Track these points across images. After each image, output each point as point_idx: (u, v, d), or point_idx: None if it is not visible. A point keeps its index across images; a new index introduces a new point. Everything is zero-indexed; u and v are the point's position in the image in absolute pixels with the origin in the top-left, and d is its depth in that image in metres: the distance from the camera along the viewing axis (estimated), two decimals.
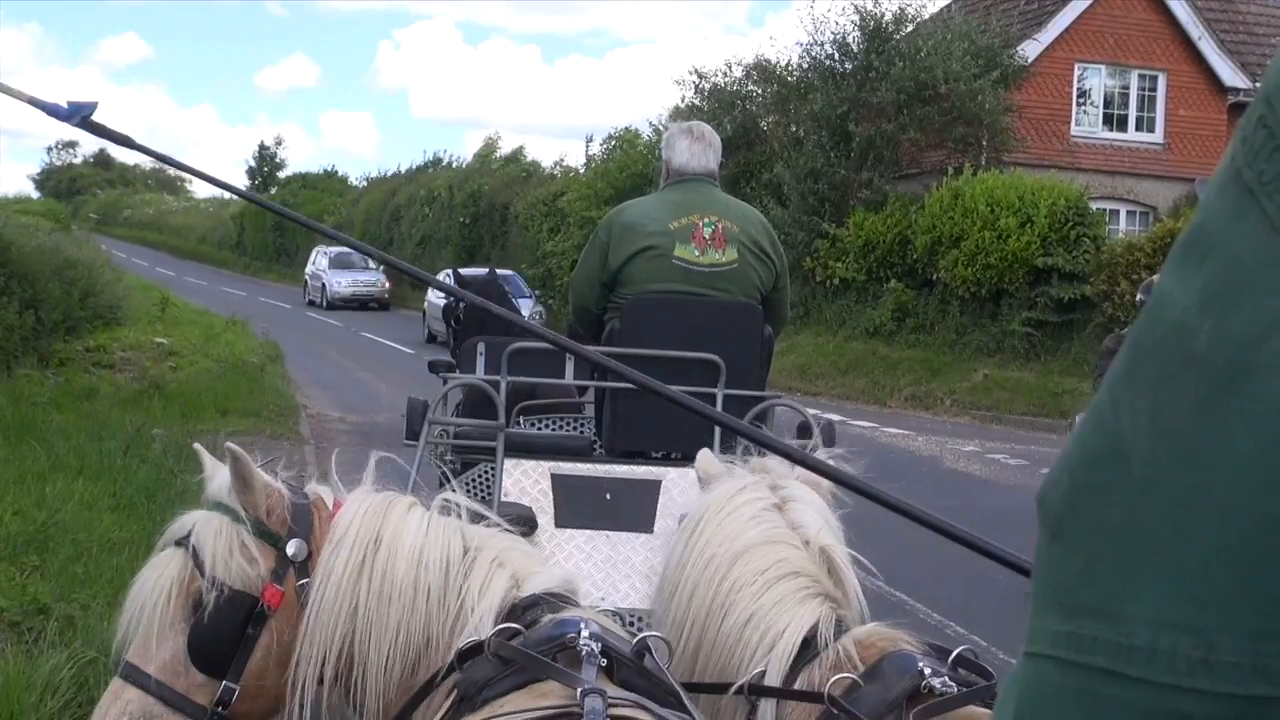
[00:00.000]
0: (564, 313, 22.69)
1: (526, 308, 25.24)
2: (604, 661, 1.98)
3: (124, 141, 2.56)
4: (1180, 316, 0.61)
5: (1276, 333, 0.57)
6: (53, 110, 2.40)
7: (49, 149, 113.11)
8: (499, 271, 14.09)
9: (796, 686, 2.26)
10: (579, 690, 1.86)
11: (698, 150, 5.04)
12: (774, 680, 2.26)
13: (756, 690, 2.26)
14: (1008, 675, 0.71)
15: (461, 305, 8.92)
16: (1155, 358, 0.62)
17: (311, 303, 41.12)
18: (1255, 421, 0.57)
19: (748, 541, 2.41)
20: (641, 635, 2.09)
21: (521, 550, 2.30)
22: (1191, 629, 0.57)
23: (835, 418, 12.01)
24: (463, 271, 9.77)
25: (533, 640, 2.02)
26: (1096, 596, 0.61)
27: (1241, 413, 0.57)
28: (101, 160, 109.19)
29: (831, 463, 2.44)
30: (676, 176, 5.06)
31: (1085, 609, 0.62)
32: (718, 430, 4.63)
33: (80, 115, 2.41)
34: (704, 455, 2.87)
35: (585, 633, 2.00)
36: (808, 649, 2.28)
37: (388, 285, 40.51)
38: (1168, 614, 0.58)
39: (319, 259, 42.68)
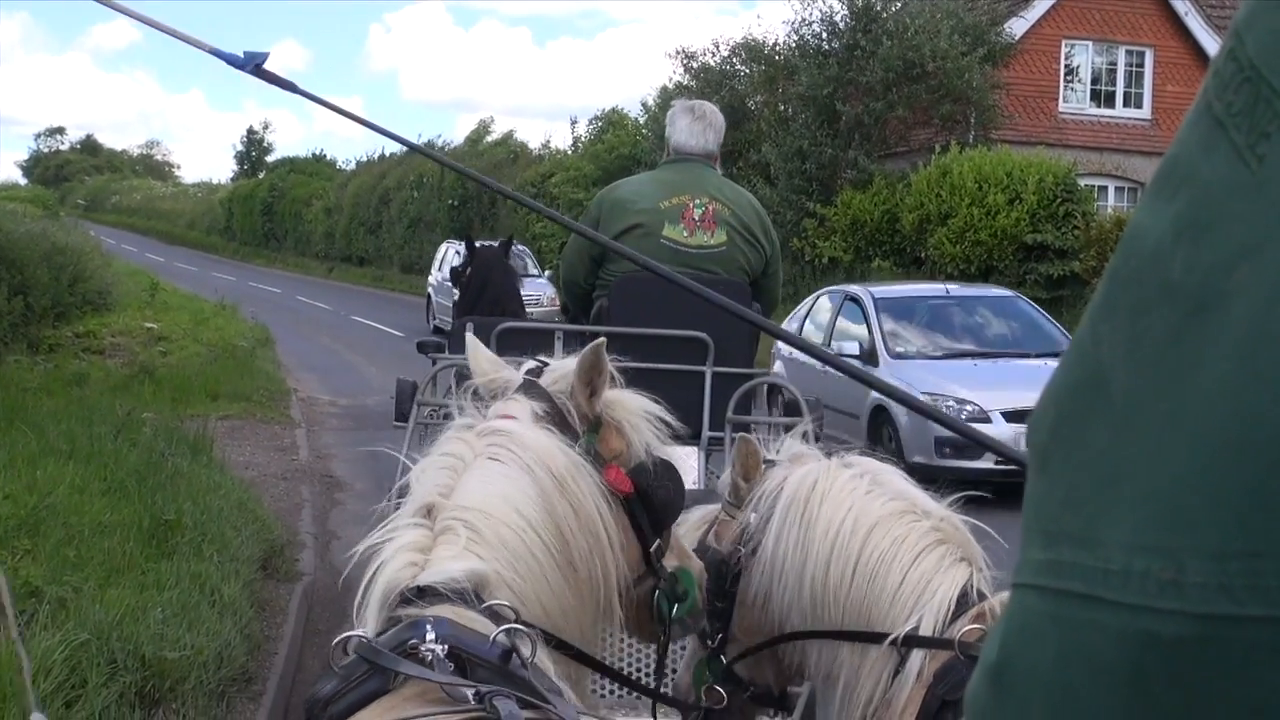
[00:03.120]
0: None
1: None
2: (451, 666, 1.77)
3: (292, 87, 2.78)
4: (1154, 247, 0.63)
5: (1244, 260, 0.58)
6: (230, 59, 2.67)
7: (36, 136, 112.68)
8: (516, 247, 12.74)
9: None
10: (472, 693, 1.69)
11: (697, 129, 5.05)
12: (927, 633, 2.37)
13: (910, 641, 2.37)
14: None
15: (468, 269, 8.91)
16: (1132, 288, 0.63)
17: (438, 329, 24.85)
18: (1223, 347, 0.58)
19: (875, 516, 2.51)
20: (500, 629, 1.85)
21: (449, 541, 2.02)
22: (1163, 551, 0.59)
23: None
24: (477, 242, 9.64)
25: (382, 644, 1.81)
26: (1077, 523, 0.63)
27: (1211, 339, 0.59)
28: (89, 147, 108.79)
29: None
30: (674, 155, 5.07)
31: (1066, 536, 0.63)
32: (706, 407, 4.66)
33: (253, 63, 2.66)
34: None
35: (431, 635, 1.79)
36: (962, 605, 2.39)
37: (556, 299, 23.21)
38: (1142, 537, 0.60)
39: (451, 258, 25.57)
